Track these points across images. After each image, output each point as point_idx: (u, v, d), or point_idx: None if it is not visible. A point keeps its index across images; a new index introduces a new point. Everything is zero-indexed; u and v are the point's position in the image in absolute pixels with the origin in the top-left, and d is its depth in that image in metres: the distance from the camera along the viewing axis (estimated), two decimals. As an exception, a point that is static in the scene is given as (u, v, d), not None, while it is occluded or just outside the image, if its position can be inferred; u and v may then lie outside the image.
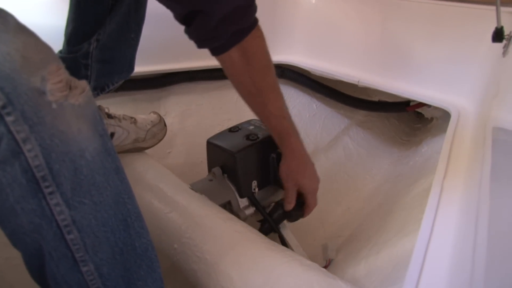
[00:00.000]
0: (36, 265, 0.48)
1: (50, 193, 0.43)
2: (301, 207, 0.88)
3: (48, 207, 0.43)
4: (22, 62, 0.40)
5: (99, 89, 0.93)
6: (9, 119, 0.39)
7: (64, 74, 0.43)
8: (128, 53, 0.94)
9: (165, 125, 1.07)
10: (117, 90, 1.23)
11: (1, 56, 0.39)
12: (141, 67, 1.23)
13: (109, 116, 0.97)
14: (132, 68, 0.97)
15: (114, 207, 0.49)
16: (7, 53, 0.39)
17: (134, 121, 1.00)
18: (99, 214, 0.48)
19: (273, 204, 0.95)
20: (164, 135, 1.07)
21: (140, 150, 1.02)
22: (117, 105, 1.23)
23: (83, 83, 0.45)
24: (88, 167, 0.45)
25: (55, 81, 0.42)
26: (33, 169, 0.42)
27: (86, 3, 0.82)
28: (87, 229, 0.47)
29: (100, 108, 0.97)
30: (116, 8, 0.84)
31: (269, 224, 0.87)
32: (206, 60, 1.33)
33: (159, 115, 1.06)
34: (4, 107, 0.39)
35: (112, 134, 0.95)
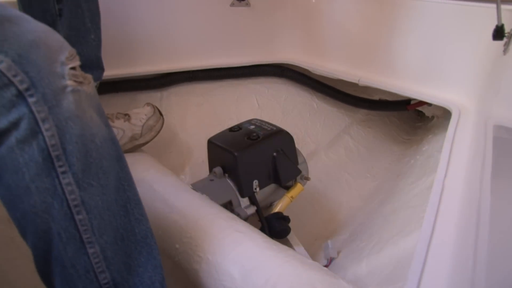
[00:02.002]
0: (43, 250, 0.50)
1: (63, 173, 0.46)
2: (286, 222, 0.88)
3: (60, 186, 0.46)
4: (45, 49, 0.44)
5: None
6: (31, 100, 0.43)
7: (78, 60, 0.48)
8: (92, 54, 0.93)
9: (161, 114, 1.05)
10: (117, 90, 1.24)
11: (28, 44, 0.43)
12: (141, 68, 1.24)
13: None
14: (102, 68, 0.97)
15: (115, 193, 0.52)
16: (33, 40, 0.44)
17: (127, 118, 0.98)
18: (104, 197, 0.50)
19: (274, 203, 0.95)
20: (162, 125, 1.05)
21: (140, 146, 1.01)
22: (117, 105, 1.23)
23: (89, 76, 0.50)
24: (97, 152, 0.49)
25: (72, 66, 0.47)
26: (49, 148, 0.45)
27: (32, 14, 0.82)
28: (95, 211, 0.49)
29: None
30: (64, 12, 0.83)
31: (262, 225, 0.87)
32: (206, 60, 1.33)
33: (153, 106, 1.04)
34: (27, 89, 0.43)
35: None
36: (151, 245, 0.56)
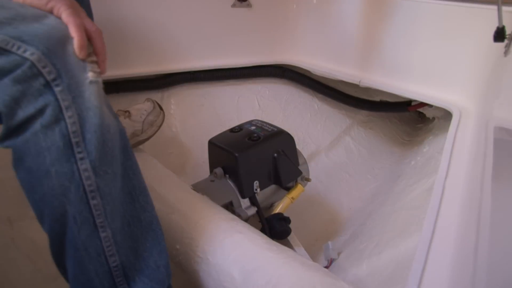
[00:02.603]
0: (58, 233, 0.53)
1: (81, 159, 0.50)
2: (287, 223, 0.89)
3: (78, 172, 0.50)
4: (70, 45, 0.50)
5: None
6: (57, 89, 0.48)
7: (95, 56, 0.53)
8: None
9: (161, 109, 1.05)
10: (118, 91, 1.24)
11: (56, 40, 0.48)
12: (142, 68, 1.24)
13: None
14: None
15: (121, 181, 0.55)
16: (60, 37, 0.49)
17: (128, 115, 0.98)
18: (116, 184, 0.54)
19: (274, 204, 0.95)
20: (163, 120, 1.05)
21: (143, 142, 1.01)
22: (118, 106, 1.22)
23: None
24: (112, 141, 0.53)
25: (91, 60, 0.52)
26: (70, 134, 0.49)
27: None
28: (108, 197, 0.53)
29: None
30: None
31: (263, 226, 0.87)
32: (207, 60, 1.33)
33: (153, 101, 1.04)
34: (54, 79, 0.47)
35: None
36: (156, 231, 0.60)
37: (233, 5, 1.29)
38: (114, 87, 1.22)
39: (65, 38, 0.49)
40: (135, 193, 0.57)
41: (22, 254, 0.85)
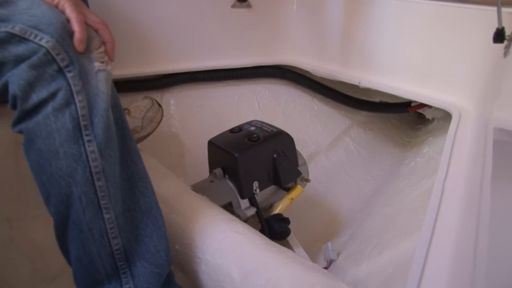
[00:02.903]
0: (63, 215, 0.55)
1: (89, 141, 0.53)
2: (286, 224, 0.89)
3: (85, 153, 0.53)
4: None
5: None
6: (69, 75, 0.51)
7: (103, 47, 0.57)
8: None
9: (159, 106, 1.07)
10: (118, 91, 1.24)
11: (68, 31, 0.53)
12: (142, 68, 1.24)
13: None
14: None
15: (120, 168, 0.58)
16: (71, 28, 0.53)
17: (127, 112, 0.99)
18: (118, 168, 0.57)
19: (274, 205, 0.95)
20: (162, 116, 1.07)
21: (143, 139, 1.02)
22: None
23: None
24: (113, 127, 0.56)
25: (99, 52, 0.55)
26: (80, 117, 0.52)
27: None
28: (112, 180, 0.56)
29: None
30: None
31: (262, 226, 0.87)
32: (207, 61, 1.33)
33: (151, 98, 1.06)
34: (67, 66, 0.51)
35: None
36: (156, 217, 0.62)
37: (233, 6, 1.29)
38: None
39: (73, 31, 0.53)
40: (134, 180, 0.60)
41: (22, 254, 0.85)
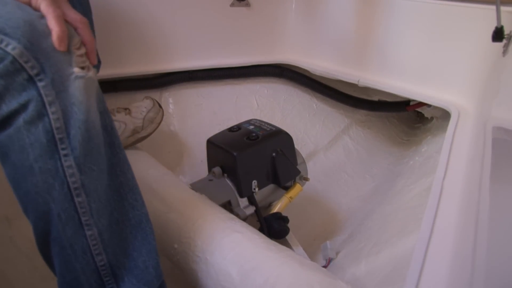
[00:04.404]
0: (43, 228, 0.51)
1: (65, 155, 0.49)
2: (285, 223, 0.89)
3: (62, 168, 0.49)
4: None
5: None
6: (40, 84, 0.46)
7: (84, 48, 0.51)
8: None
9: (160, 107, 1.07)
10: (117, 90, 1.24)
11: (39, 32, 0.47)
12: (140, 67, 1.24)
13: None
14: (99, 61, 0.97)
15: (108, 178, 0.54)
16: (43, 30, 0.47)
17: (128, 112, 1.00)
18: (102, 182, 0.53)
19: (273, 204, 0.95)
20: (162, 117, 1.07)
21: (143, 139, 1.03)
22: (116, 105, 1.22)
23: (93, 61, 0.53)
24: (98, 138, 0.52)
25: (79, 54, 0.50)
26: (54, 130, 0.48)
27: None
28: (94, 194, 0.52)
29: None
30: None
31: (261, 225, 0.87)
32: (205, 60, 1.33)
33: (152, 99, 1.06)
34: (38, 74, 0.46)
35: None
36: (146, 230, 0.58)
37: (232, 5, 1.28)
38: (112, 86, 1.22)
39: (48, 30, 0.47)
40: (123, 191, 0.56)
41: (21, 253, 0.85)
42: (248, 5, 1.31)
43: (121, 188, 0.56)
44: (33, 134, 0.47)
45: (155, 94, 1.31)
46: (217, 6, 1.28)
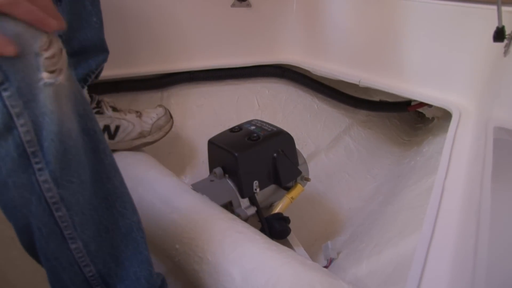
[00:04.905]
0: (27, 239, 0.50)
1: (40, 169, 0.45)
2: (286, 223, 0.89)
3: (37, 183, 0.45)
4: (17, 40, 0.41)
5: (82, 82, 0.92)
6: (5, 94, 0.41)
7: (56, 46, 0.44)
8: (96, 36, 0.93)
9: (171, 117, 1.08)
10: (118, 90, 1.24)
11: None
12: (141, 68, 1.24)
13: (114, 109, 0.98)
14: (107, 50, 0.97)
15: (93, 186, 0.50)
16: (3, 33, 0.40)
17: (139, 115, 1.01)
18: (86, 192, 0.50)
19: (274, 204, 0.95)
20: (171, 127, 1.08)
21: (148, 144, 1.03)
22: (117, 105, 1.23)
23: (65, 59, 0.46)
24: (76, 147, 0.48)
25: (48, 56, 0.43)
26: (25, 144, 0.44)
27: None
28: (76, 207, 0.49)
29: (104, 101, 0.98)
30: None
31: (262, 226, 0.87)
32: (207, 60, 1.33)
33: (165, 108, 1.07)
34: (1, 83, 0.41)
35: (118, 127, 0.96)
36: (137, 239, 0.55)
37: (233, 5, 1.29)
38: (113, 86, 1.22)
39: (12, 30, 0.41)
40: (110, 198, 0.53)
41: (22, 254, 0.85)
42: (249, 5, 1.31)
43: (109, 196, 0.53)
44: (3, 148, 0.44)
45: (156, 95, 1.31)
46: (218, 7, 1.28)
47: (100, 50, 0.94)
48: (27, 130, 0.43)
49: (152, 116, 1.02)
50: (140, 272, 0.56)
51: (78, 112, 0.48)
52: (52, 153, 0.45)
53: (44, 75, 0.43)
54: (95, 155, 0.51)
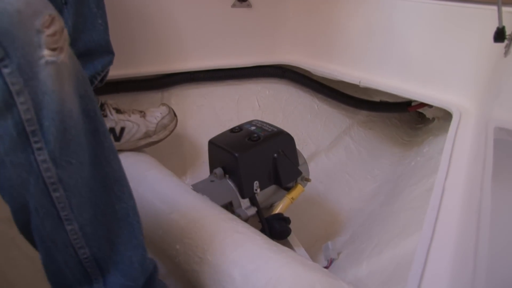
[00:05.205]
0: (22, 220, 0.50)
1: (38, 149, 0.44)
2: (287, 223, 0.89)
3: (36, 163, 0.45)
4: (18, 16, 0.40)
5: None
6: (5, 71, 0.40)
7: (57, 24, 0.43)
8: (101, 38, 0.93)
9: (175, 115, 1.08)
10: (118, 91, 1.24)
11: (0, 12, 0.39)
12: (142, 68, 1.24)
13: (118, 111, 0.98)
14: (112, 52, 0.97)
15: (92, 169, 0.50)
16: (4, 8, 0.39)
17: (143, 114, 1.01)
18: (84, 174, 0.49)
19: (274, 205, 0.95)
20: (175, 125, 1.08)
21: (153, 144, 1.04)
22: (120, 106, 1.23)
23: (67, 37, 0.45)
24: (76, 128, 0.47)
25: (50, 33, 0.42)
26: (24, 123, 0.43)
27: None
28: (74, 189, 0.48)
29: (107, 104, 0.98)
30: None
31: (263, 226, 0.87)
32: (207, 60, 1.33)
33: (168, 106, 1.07)
34: (2, 60, 0.40)
35: (123, 129, 0.96)
36: (132, 224, 0.55)
37: (233, 5, 1.29)
38: (114, 87, 1.22)
39: (11, 8, 0.40)
40: (108, 182, 0.52)
41: (22, 254, 0.85)
42: (249, 6, 1.31)
43: (107, 179, 0.52)
44: (1, 127, 0.43)
45: (157, 95, 1.31)
46: (219, 7, 1.28)
47: (106, 52, 0.95)
48: (27, 108, 0.42)
49: (156, 115, 1.03)
50: (134, 257, 0.56)
51: (79, 92, 0.48)
52: (51, 132, 0.44)
53: (46, 52, 0.42)
54: (95, 137, 0.50)
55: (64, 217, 0.49)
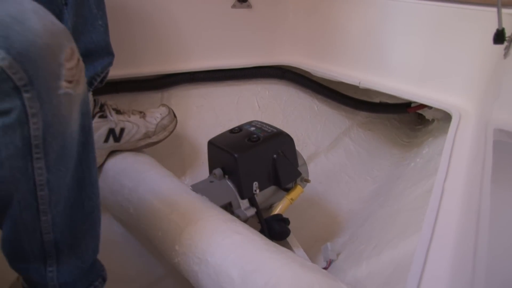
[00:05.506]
0: (0, 208, 0.54)
1: (38, 158, 0.50)
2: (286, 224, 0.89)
3: (32, 168, 0.50)
4: (45, 50, 0.45)
5: (87, 85, 0.93)
6: (26, 95, 0.45)
7: (75, 57, 0.48)
8: (101, 39, 0.94)
9: (175, 116, 1.08)
10: (118, 91, 1.24)
11: (29, 43, 0.43)
12: (141, 68, 1.24)
13: (118, 112, 0.98)
14: (112, 53, 0.97)
15: (75, 173, 0.56)
16: (34, 41, 0.44)
17: (143, 115, 1.01)
18: (67, 178, 0.55)
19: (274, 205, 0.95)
20: (175, 126, 1.08)
21: (153, 145, 1.04)
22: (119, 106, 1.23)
23: (83, 70, 0.51)
24: (72, 144, 0.53)
25: (69, 67, 0.47)
26: (31, 138, 0.48)
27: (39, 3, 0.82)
28: (56, 189, 0.54)
29: (107, 104, 0.98)
30: (70, 0, 0.83)
31: (262, 227, 0.87)
32: (207, 61, 1.33)
33: (168, 107, 1.07)
34: (24, 85, 0.44)
35: (122, 130, 0.96)
36: (94, 219, 0.63)
37: (233, 6, 1.29)
38: (113, 87, 1.22)
39: (40, 42, 0.44)
40: (84, 184, 0.59)
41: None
42: (249, 6, 1.31)
43: (83, 182, 0.58)
44: (9, 136, 0.47)
45: (156, 95, 1.31)
46: (219, 8, 1.28)
47: (105, 53, 0.95)
48: (37, 128, 0.47)
49: (156, 116, 1.03)
50: (90, 244, 0.64)
51: (82, 111, 0.53)
52: (53, 148, 0.50)
53: (64, 84, 0.47)
54: (84, 148, 0.56)
55: (42, 210, 0.54)
